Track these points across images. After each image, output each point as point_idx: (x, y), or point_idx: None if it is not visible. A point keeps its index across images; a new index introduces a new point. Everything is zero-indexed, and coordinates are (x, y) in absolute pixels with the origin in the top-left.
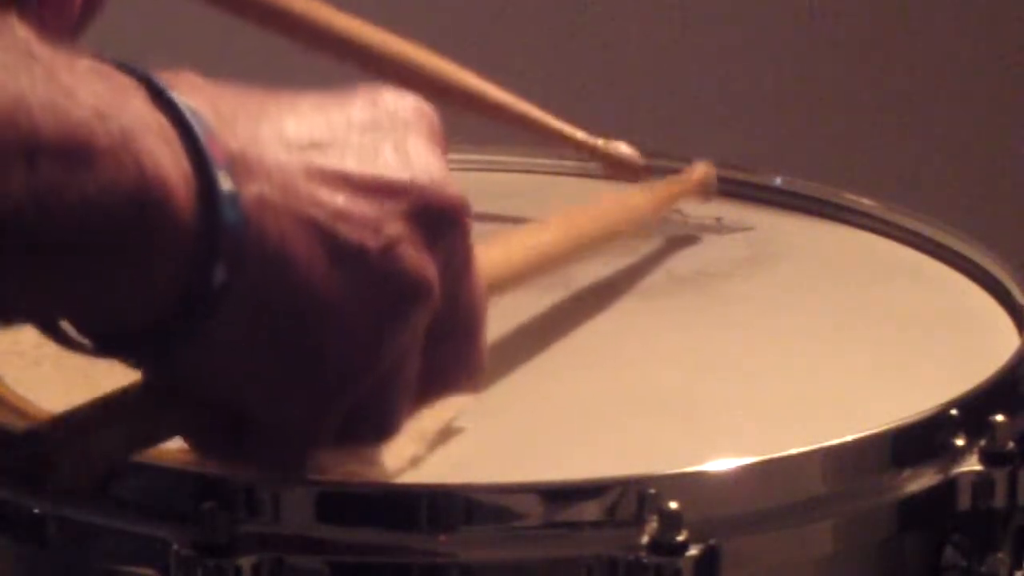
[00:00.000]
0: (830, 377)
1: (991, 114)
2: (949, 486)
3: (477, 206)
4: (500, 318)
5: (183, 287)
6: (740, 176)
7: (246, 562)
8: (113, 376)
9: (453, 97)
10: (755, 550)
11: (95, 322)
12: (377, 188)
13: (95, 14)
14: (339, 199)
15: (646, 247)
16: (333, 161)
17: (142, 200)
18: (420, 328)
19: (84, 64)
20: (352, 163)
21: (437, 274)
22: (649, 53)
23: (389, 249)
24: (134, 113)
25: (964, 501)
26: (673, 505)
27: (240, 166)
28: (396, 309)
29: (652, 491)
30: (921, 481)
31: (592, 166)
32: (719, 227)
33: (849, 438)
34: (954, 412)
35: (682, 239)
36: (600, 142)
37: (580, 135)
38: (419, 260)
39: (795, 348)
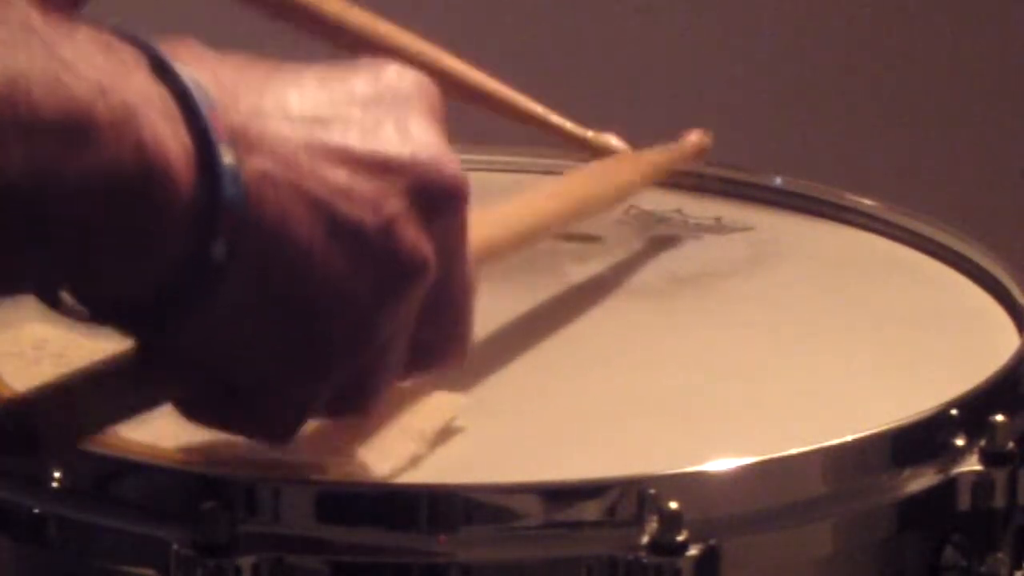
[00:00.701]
0: (830, 377)
1: (991, 114)
2: (949, 486)
3: (477, 205)
4: (500, 317)
5: (183, 260)
6: (740, 176)
7: (246, 562)
8: None
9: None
10: (755, 550)
11: (93, 292)
12: (378, 165)
13: None
14: (341, 175)
15: (646, 247)
16: (336, 136)
17: (142, 175)
18: (415, 304)
19: (84, 36)
20: (354, 139)
21: (433, 251)
22: (648, 52)
23: (388, 226)
24: (135, 86)
25: (964, 501)
26: (673, 505)
27: (242, 140)
28: (393, 286)
29: (652, 491)
30: (921, 481)
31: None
32: (719, 227)
33: (849, 438)
34: (954, 412)
35: (682, 239)
36: (589, 134)
37: (569, 125)
38: (417, 238)
39: (795, 348)
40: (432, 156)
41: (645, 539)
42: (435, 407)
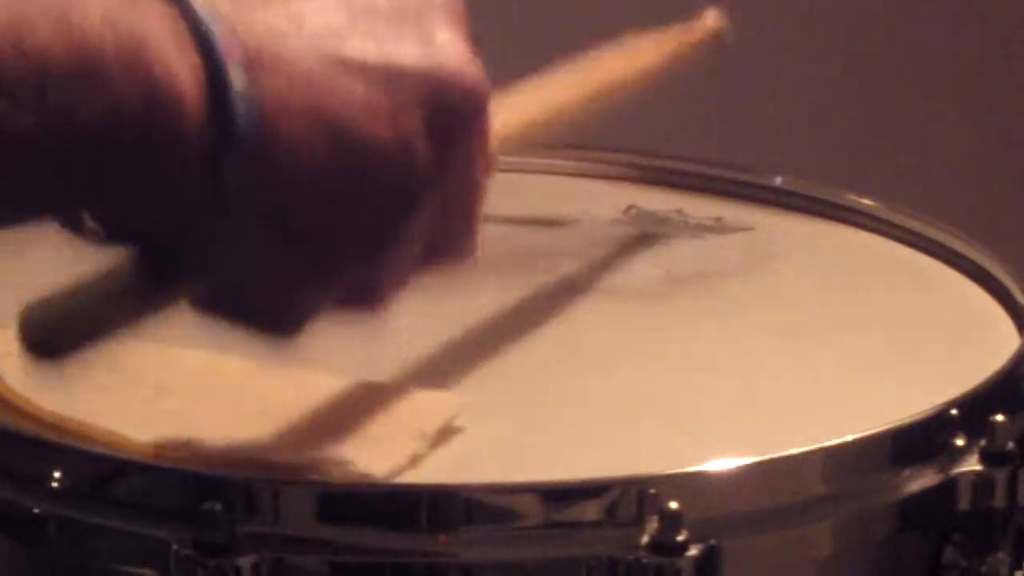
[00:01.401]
0: (830, 377)
1: (991, 114)
2: (949, 486)
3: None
4: (500, 317)
5: (198, 183)
6: (740, 176)
7: (246, 562)
8: (112, 375)
9: None
10: (755, 550)
11: (109, 216)
12: (396, 76)
13: None
14: (357, 90)
15: (646, 247)
16: (353, 49)
17: (154, 108)
18: (426, 218)
19: None
20: (372, 51)
21: (450, 162)
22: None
23: (403, 144)
24: (144, 16)
25: (964, 501)
26: (673, 505)
27: (255, 61)
28: (405, 202)
29: (652, 491)
30: (921, 481)
31: (586, 166)
32: (719, 227)
33: (849, 438)
34: (954, 412)
35: (682, 239)
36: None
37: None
38: (431, 157)
39: (795, 348)
40: (453, 67)
41: (645, 539)
42: (435, 407)
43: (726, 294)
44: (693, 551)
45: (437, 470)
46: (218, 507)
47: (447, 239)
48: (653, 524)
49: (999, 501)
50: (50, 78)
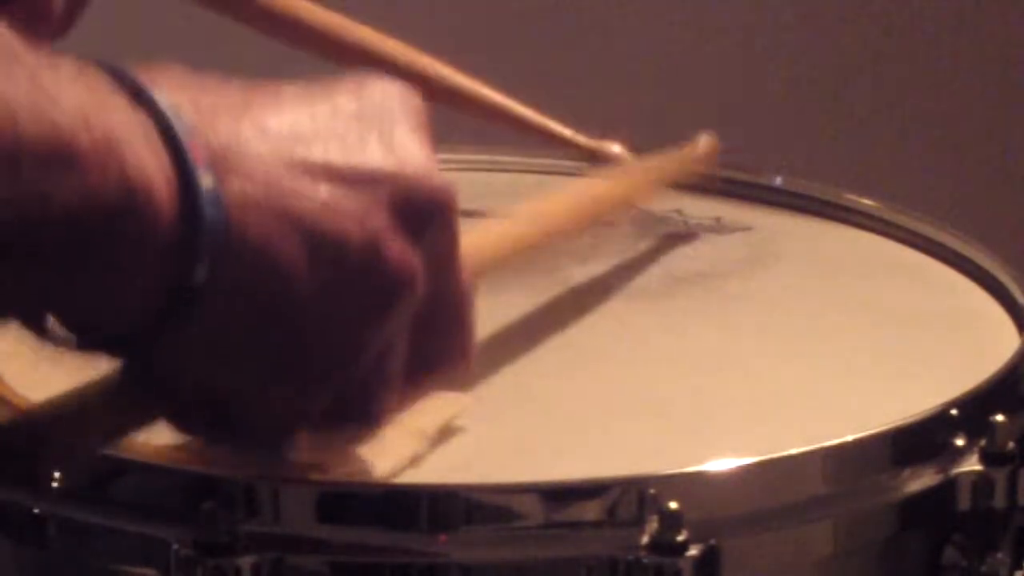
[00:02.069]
0: (830, 377)
1: (991, 114)
2: (949, 486)
3: (477, 205)
4: (500, 318)
5: (166, 285)
6: (740, 176)
7: (246, 562)
8: None
9: (441, 96)
10: (755, 550)
11: (78, 319)
12: (361, 179)
13: (77, 16)
14: (322, 191)
15: (645, 247)
16: (316, 153)
17: (125, 202)
18: (404, 319)
19: (66, 67)
20: (336, 154)
21: (421, 265)
22: (648, 52)
23: (372, 242)
24: (116, 115)
25: (964, 501)
26: (673, 505)
27: (221, 163)
28: (379, 301)
29: (652, 491)
30: (921, 481)
31: (586, 166)
32: (719, 227)
33: (849, 438)
34: (954, 412)
35: (681, 239)
36: (590, 141)
37: (568, 133)
38: (402, 252)
39: (795, 348)
40: (417, 168)
41: (645, 539)
42: (435, 406)
43: (726, 294)
44: (693, 551)
45: (437, 470)
46: (218, 507)
47: (439, 350)
48: (653, 524)
49: (999, 501)
50: (25, 161)
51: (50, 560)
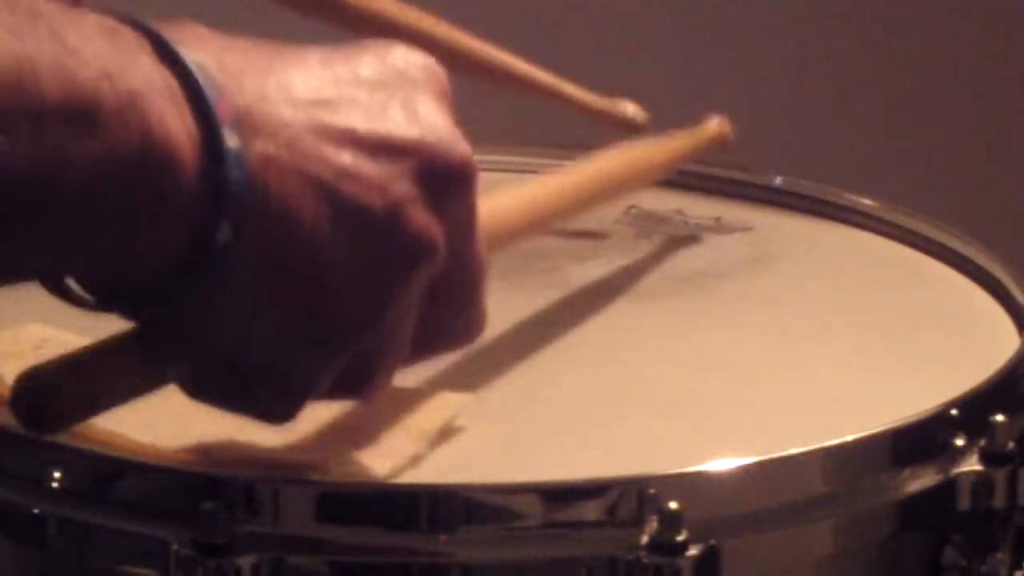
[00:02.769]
0: (830, 377)
1: (991, 114)
2: (949, 486)
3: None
4: (500, 318)
5: (189, 244)
6: (740, 176)
7: (246, 562)
8: None
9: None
10: (755, 550)
11: (100, 279)
12: (384, 147)
13: None
14: (345, 157)
15: (645, 247)
16: (340, 118)
17: (148, 159)
18: (422, 287)
19: (90, 21)
20: (359, 121)
21: (442, 234)
22: (648, 52)
23: (395, 209)
24: (140, 72)
25: (964, 501)
26: (673, 505)
27: (246, 123)
28: (400, 269)
29: (652, 491)
30: (921, 481)
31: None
32: (719, 227)
33: (849, 438)
34: (954, 412)
35: (682, 239)
36: (606, 101)
37: (585, 95)
38: (424, 220)
39: (795, 348)
40: (440, 137)
41: (645, 539)
42: (436, 406)
43: (726, 294)
44: (693, 551)
45: (437, 470)
46: (218, 507)
47: (450, 322)
48: (653, 524)
49: (999, 501)
50: (47, 118)
51: (50, 560)
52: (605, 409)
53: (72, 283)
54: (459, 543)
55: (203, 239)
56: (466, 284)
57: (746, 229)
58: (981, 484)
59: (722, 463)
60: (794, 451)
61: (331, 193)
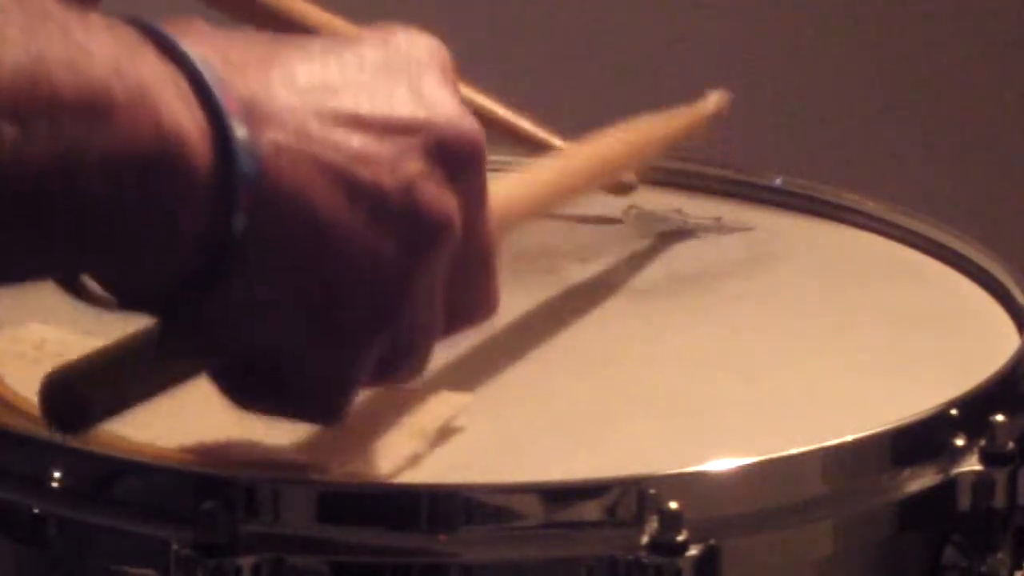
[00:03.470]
0: (830, 377)
1: (991, 114)
2: (949, 486)
3: None
4: (500, 317)
5: (205, 238)
6: (740, 176)
7: (246, 562)
8: None
9: None
10: (755, 550)
11: (119, 277)
12: (392, 128)
13: None
14: (354, 141)
15: (645, 247)
16: (346, 103)
17: (161, 153)
18: (443, 264)
19: (96, 21)
20: (365, 104)
21: (457, 209)
22: (648, 52)
23: (408, 188)
24: (148, 68)
25: (964, 501)
26: (673, 505)
27: (253, 114)
28: (419, 246)
29: (652, 491)
30: (921, 481)
31: None
32: (719, 227)
33: (849, 438)
34: (954, 412)
35: (682, 239)
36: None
37: (559, 143)
38: (439, 197)
39: (795, 348)
40: (448, 115)
41: (645, 539)
42: (435, 407)
43: (726, 294)
44: (693, 551)
45: (437, 470)
46: (218, 507)
47: (467, 299)
48: (653, 524)
49: (999, 501)
50: (62, 113)
51: (50, 560)
52: (605, 409)
53: (90, 282)
54: (459, 543)
55: (219, 231)
56: (480, 260)
57: (746, 229)
58: (981, 484)
59: (722, 463)
60: (794, 451)
61: (343, 177)
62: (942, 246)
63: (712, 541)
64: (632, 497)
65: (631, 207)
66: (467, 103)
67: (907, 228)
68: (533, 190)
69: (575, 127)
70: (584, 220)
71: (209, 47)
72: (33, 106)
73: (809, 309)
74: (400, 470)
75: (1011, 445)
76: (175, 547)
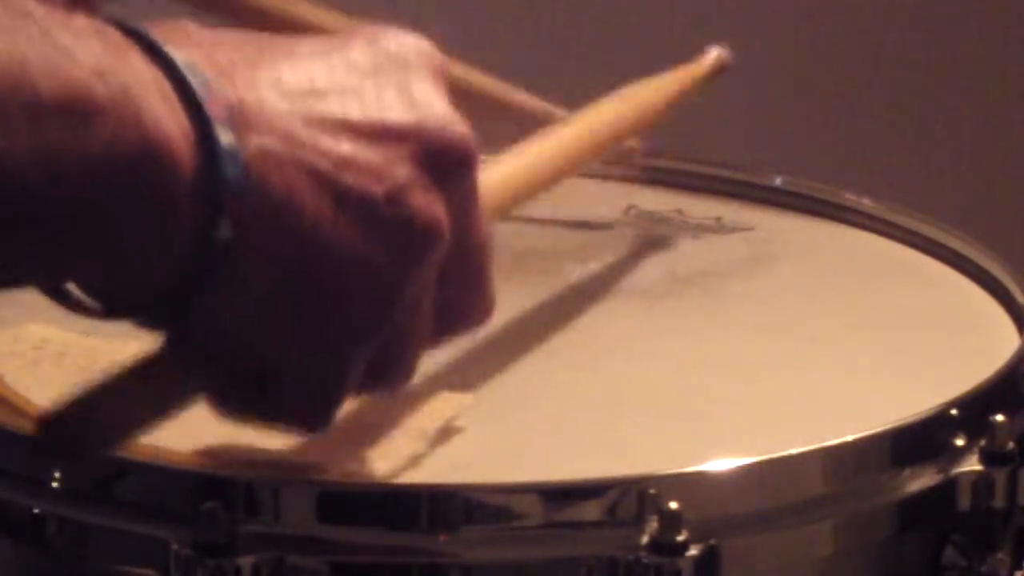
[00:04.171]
0: (830, 377)
1: (991, 114)
2: (949, 486)
3: None
4: (500, 317)
5: (190, 244)
6: (740, 176)
7: (246, 562)
8: None
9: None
10: (755, 550)
11: (104, 284)
12: (381, 133)
13: None
14: (343, 146)
15: (646, 247)
16: (334, 107)
17: (144, 156)
18: (433, 270)
19: (80, 23)
20: (354, 108)
21: (446, 216)
22: (648, 52)
23: (397, 194)
24: (132, 71)
25: (964, 501)
26: (673, 505)
27: (240, 119)
28: (408, 252)
29: (652, 491)
30: (921, 481)
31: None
32: (719, 227)
33: (849, 438)
34: (954, 412)
35: (682, 239)
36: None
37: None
38: (428, 203)
39: (795, 348)
40: (438, 120)
41: (645, 539)
42: (435, 407)
43: (726, 294)
44: (693, 551)
45: (437, 470)
46: (218, 507)
47: (462, 303)
48: (653, 524)
49: (999, 501)
50: (43, 115)
51: (50, 560)
52: (605, 409)
53: (74, 289)
54: (459, 543)
55: (204, 237)
56: (474, 265)
57: (746, 229)
58: (981, 484)
59: (722, 463)
60: (794, 451)
61: (331, 183)
62: (942, 246)
63: (712, 541)
64: (632, 497)
65: (631, 207)
66: (464, 83)
67: (907, 228)
68: (536, 166)
69: (572, 97)
70: (584, 220)
71: (196, 50)
72: (12, 106)
73: (809, 309)
74: (400, 470)
75: (1011, 445)
76: (175, 547)
